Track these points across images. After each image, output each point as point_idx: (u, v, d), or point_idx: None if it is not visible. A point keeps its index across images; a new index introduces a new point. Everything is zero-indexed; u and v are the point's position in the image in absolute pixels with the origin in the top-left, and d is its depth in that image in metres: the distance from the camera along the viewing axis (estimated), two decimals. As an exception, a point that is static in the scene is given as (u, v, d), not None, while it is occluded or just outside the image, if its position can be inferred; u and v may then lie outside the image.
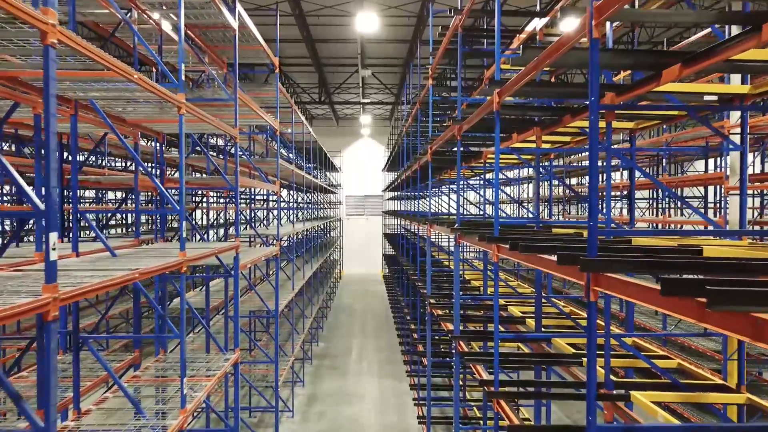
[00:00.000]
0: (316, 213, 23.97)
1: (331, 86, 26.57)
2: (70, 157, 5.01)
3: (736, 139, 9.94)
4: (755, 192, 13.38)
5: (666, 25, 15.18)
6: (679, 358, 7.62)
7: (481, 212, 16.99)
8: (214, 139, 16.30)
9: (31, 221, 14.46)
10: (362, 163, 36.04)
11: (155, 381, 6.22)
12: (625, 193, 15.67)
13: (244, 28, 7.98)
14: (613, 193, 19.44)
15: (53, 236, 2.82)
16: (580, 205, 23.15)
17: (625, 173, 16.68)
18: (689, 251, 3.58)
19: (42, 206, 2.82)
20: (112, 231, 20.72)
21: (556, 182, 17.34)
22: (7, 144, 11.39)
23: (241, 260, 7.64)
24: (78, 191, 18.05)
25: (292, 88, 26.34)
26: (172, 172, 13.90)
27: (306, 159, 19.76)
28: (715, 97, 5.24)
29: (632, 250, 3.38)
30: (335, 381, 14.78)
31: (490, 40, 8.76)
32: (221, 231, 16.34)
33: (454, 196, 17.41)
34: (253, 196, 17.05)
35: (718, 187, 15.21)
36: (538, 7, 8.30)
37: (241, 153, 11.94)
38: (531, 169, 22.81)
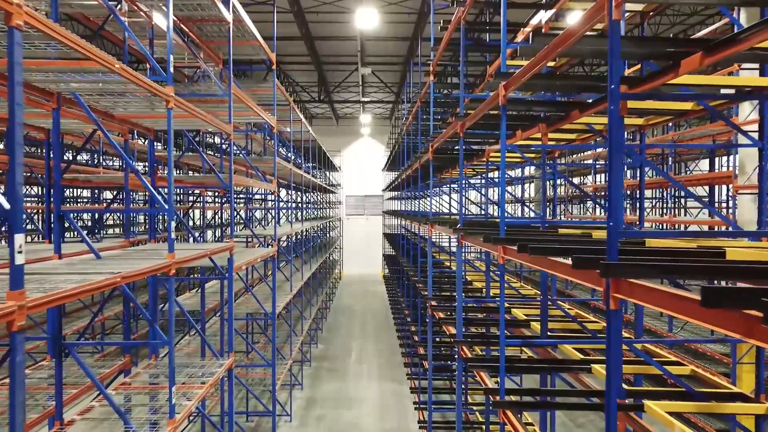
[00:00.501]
0: (315, 213, 23.72)
1: (331, 85, 26.32)
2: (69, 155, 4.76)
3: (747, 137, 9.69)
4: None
5: (691, 6, 14.65)
6: (685, 360, 7.36)
7: (483, 212, 16.73)
8: (214, 138, 16.08)
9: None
10: (362, 163, 35.79)
11: (145, 388, 5.96)
12: (628, 192, 15.42)
13: (240, 22, 7.72)
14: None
15: (19, 238, 2.56)
16: (582, 205, 22.90)
17: (628, 172, 16.42)
18: (711, 254, 3.32)
19: (7, 205, 2.56)
20: (110, 231, 20.47)
21: (559, 181, 17.07)
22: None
23: (236, 262, 7.38)
24: (75, 191, 17.66)
25: (292, 86, 26.08)
26: (165, 171, 13.63)
27: (305, 158, 19.50)
28: (732, 90, 4.99)
29: (651, 252, 3.11)
30: (334, 384, 14.52)
31: (493, 34, 8.50)
32: (219, 231, 16.08)
33: (455, 196, 17.16)
34: (250, 196, 16.80)
35: (720, 186, 14.98)
36: None
37: (238, 152, 11.68)
38: (532, 169, 22.57)
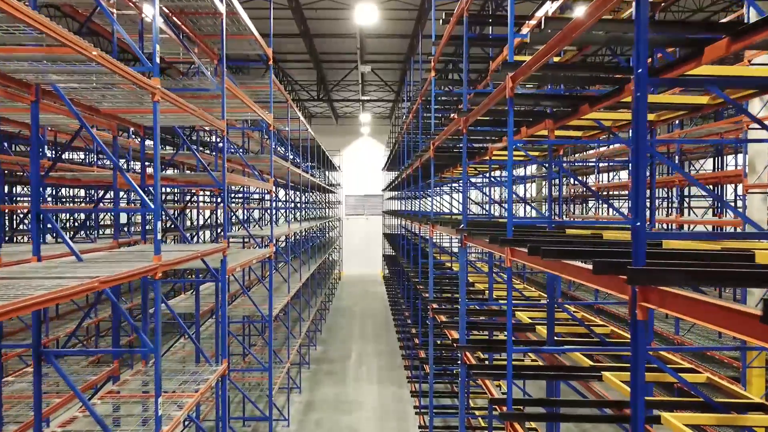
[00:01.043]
0: (315, 213, 23.43)
1: (330, 83, 26.03)
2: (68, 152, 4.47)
3: (759, 134, 9.41)
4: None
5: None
6: (700, 367, 7.08)
7: (485, 212, 16.44)
8: (212, 137, 15.78)
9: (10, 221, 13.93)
10: (362, 163, 35.52)
11: (133, 396, 5.67)
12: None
13: (234, 15, 7.44)
14: (619, 192, 18.92)
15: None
16: (584, 205, 22.61)
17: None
18: (739, 257, 3.05)
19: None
20: (110, 231, 20.16)
21: (564, 180, 16.77)
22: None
23: (230, 263, 7.11)
24: (73, 191, 17.31)
25: (290, 85, 25.79)
26: (162, 169, 13.34)
27: (304, 158, 19.22)
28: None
29: (673, 255, 2.83)
30: (333, 387, 14.24)
31: (497, 28, 8.22)
32: (215, 232, 15.79)
33: (456, 195, 16.88)
34: (247, 196, 16.51)
35: (725, 186, 14.68)
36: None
37: (234, 150, 11.41)
38: (534, 168, 22.29)
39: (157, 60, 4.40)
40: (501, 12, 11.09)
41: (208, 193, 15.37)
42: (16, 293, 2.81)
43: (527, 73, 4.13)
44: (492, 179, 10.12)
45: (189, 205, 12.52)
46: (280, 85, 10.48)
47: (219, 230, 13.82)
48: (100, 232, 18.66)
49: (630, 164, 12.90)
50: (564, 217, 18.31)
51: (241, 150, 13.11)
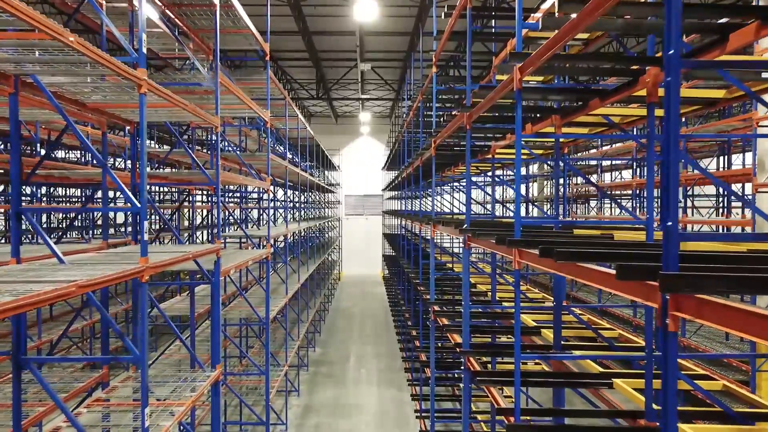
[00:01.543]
0: (314, 213, 23.17)
1: (330, 82, 25.77)
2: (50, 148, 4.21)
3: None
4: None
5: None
6: (716, 374, 6.81)
7: (487, 212, 16.16)
8: (210, 136, 15.52)
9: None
10: (362, 162, 35.28)
11: (121, 405, 5.41)
12: (638, 191, 14.88)
13: (229, 8, 7.18)
14: (621, 192, 18.65)
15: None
16: (587, 205, 22.36)
17: (638, 170, 15.89)
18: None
19: None
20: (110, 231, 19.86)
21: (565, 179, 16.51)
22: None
23: (224, 265, 6.85)
24: (68, 191, 17.03)
25: (290, 84, 25.54)
26: (157, 168, 13.09)
27: (303, 157, 18.97)
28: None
29: (707, 259, 2.57)
30: (332, 390, 13.98)
31: (501, 21, 7.96)
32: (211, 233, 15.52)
33: (457, 195, 16.61)
34: (245, 195, 16.25)
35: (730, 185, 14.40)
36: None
37: (230, 149, 11.16)
38: (535, 167, 22.02)
39: (144, 50, 4.14)
40: (505, 5, 10.82)
41: (206, 192, 15.13)
42: (-21, 300, 2.55)
43: (537, 64, 3.87)
44: (496, 178, 9.87)
45: (184, 204, 12.25)
46: (277, 82, 10.22)
47: (212, 231, 13.56)
48: (97, 233, 18.41)
49: (633, 162, 12.56)
50: (568, 217, 18.05)
51: (238, 149, 12.86)
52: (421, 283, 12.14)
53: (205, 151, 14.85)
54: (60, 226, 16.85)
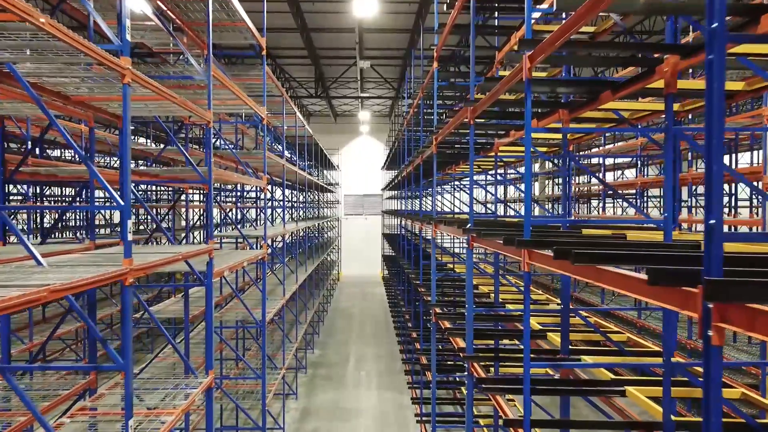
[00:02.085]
0: (313, 212, 22.89)
1: (328, 80, 25.50)
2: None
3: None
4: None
5: None
6: (735, 383, 6.53)
7: (490, 211, 15.85)
8: (204, 133, 15.22)
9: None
10: (361, 162, 35.01)
11: (107, 414, 5.14)
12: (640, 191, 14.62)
13: (223, -1, 6.91)
14: (625, 191, 18.37)
15: None
16: (588, 204, 22.08)
17: (644, 169, 15.63)
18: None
19: None
20: (103, 231, 19.60)
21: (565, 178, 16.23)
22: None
23: (218, 265, 6.59)
24: (65, 190, 16.72)
25: (288, 82, 25.26)
26: (151, 166, 12.81)
27: (301, 156, 18.69)
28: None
29: (746, 261, 2.30)
30: (331, 393, 13.71)
31: (504, 12, 7.69)
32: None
33: (458, 194, 16.34)
34: (240, 194, 15.96)
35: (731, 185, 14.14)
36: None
37: (226, 146, 10.90)
38: (536, 166, 21.73)
39: (128, 37, 3.87)
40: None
41: (202, 192, 14.85)
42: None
43: (549, 51, 3.60)
44: (500, 176, 9.60)
45: (178, 204, 11.98)
46: (274, 78, 9.95)
47: (206, 230, 13.28)
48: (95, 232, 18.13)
49: (638, 160, 12.25)
50: (571, 216, 17.77)
51: (234, 147, 12.59)
52: (421, 284, 11.87)
53: (201, 149, 14.57)
54: (56, 225, 16.58)
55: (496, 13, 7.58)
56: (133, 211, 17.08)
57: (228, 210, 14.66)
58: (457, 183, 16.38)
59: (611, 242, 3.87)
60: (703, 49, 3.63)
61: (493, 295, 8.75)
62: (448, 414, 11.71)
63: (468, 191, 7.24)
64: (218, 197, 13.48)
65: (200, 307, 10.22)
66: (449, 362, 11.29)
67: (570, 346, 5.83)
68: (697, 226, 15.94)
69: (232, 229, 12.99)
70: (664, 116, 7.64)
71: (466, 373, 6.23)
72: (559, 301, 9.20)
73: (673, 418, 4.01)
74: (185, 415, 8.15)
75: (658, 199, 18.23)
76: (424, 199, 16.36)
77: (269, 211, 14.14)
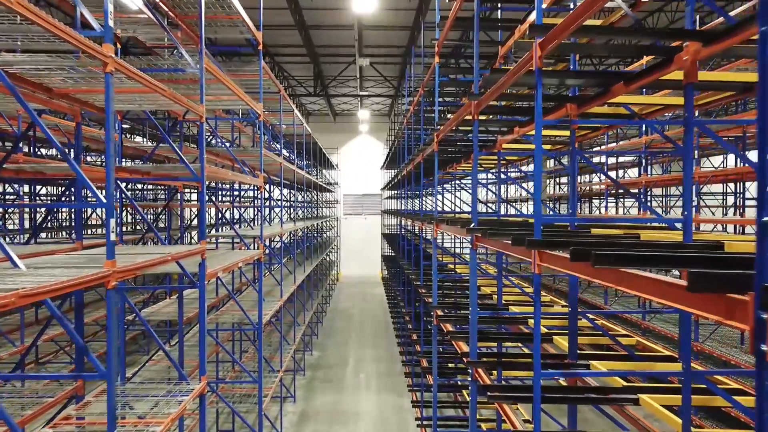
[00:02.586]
0: (311, 212, 22.64)
1: (327, 78, 25.25)
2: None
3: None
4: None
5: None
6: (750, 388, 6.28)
7: (492, 210, 15.61)
8: (198, 130, 14.96)
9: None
10: (360, 161, 34.76)
11: (93, 424, 4.88)
12: (629, 191, 14.37)
13: (216, -12, 6.66)
14: (620, 191, 18.13)
15: None
16: (590, 203, 21.83)
17: (649, 168, 15.38)
18: None
19: None
20: (99, 231, 19.33)
21: (566, 177, 15.99)
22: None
23: (212, 266, 6.33)
24: (61, 189, 16.43)
25: (287, 80, 25.01)
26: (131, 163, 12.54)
27: (300, 155, 18.44)
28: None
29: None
30: (330, 396, 13.46)
31: (508, 2, 7.44)
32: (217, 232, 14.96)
33: (459, 193, 16.08)
34: (238, 193, 15.70)
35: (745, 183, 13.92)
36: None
37: (221, 144, 10.63)
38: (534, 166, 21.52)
39: (110, 23, 3.62)
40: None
41: (198, 191, 14.58)
42: None
43: (561, 37, 3.35)
44: (504, 174, 9.35)
45: (174, 203, 11.72)
46: (271, 74, 9.70)
47: (209, 230, 13.01)
48: (88, 232, 17.85)
49: (642, 158, 11.97)
50: (577, 215, 17.50)
51: (231, 145, 12.33)
52: (422, 285, 11.62)
53: (196, 147, 14.31)
54: (43, 225, 16.30)
55: (499, 4, 7.32)
56: (129, 210, 16.81)
57: (224, 209, 14.40)
58: (458, 182, 16.13)
59: (627, 242, 3.62)
60: (727, 35, 3.39)
61: (495, 296, 8.51)
62: (450, 417, 11.47)
63: (469, 190, 7.00)
64: (214, 196, 13.22)
65: (196, 308, 9.96)
66: (450, 365, 11.04)
67: (579, 352, 5.58)
68: (701, 225, 15.68)
69: (229, 229, 12.74)
70: (670, 114, 7.35)
71: (469, 378, 5.97)
72: (564, 303, 8.95)
73: (693, 430, 3.76)
74: (179, 420, 7.90)
75: (661, 199, 18.01)
76: (424, 198, 16.11)
77: (266, 210, 13.89)
